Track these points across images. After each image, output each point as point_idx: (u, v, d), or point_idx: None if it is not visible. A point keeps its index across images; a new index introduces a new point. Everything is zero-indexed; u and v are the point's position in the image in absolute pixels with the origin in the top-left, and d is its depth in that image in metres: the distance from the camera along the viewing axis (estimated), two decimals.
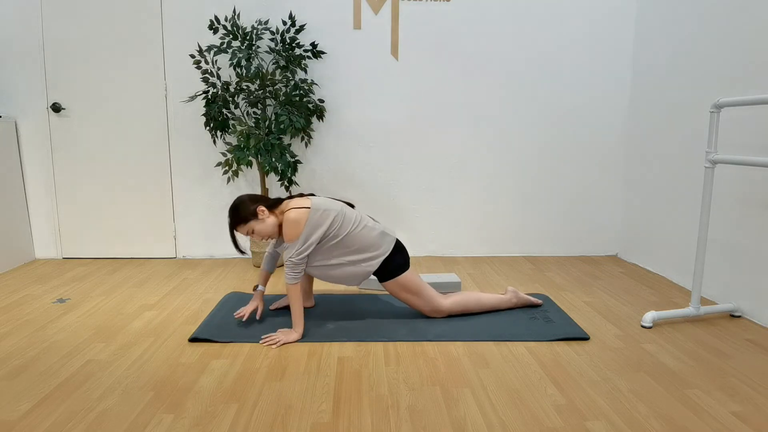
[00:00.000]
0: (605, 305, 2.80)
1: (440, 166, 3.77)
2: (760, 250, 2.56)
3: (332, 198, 2.53)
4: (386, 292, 3.00)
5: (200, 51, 3.33)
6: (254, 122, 3.38)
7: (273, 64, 3.44)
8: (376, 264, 2.43)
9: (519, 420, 1.72)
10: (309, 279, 2.71)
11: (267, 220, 2.35)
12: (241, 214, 2.34)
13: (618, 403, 1.82)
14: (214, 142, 3.50)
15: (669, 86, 3.27)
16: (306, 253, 2.30)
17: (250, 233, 2.35)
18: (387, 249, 2.45)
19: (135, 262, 3.71)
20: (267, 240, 2.33)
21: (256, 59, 3.38)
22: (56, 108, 3.60)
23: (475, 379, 1.99)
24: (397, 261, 2.47)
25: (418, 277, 2.53)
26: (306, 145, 3.66)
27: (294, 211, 2.30)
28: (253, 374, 2.03)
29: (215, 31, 3.35)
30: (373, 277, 3.06)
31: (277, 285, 3.15)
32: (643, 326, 2.49)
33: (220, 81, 3.46)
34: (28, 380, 1.98)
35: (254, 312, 2.57)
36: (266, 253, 2.60)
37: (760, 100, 2.22)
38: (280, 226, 2.40)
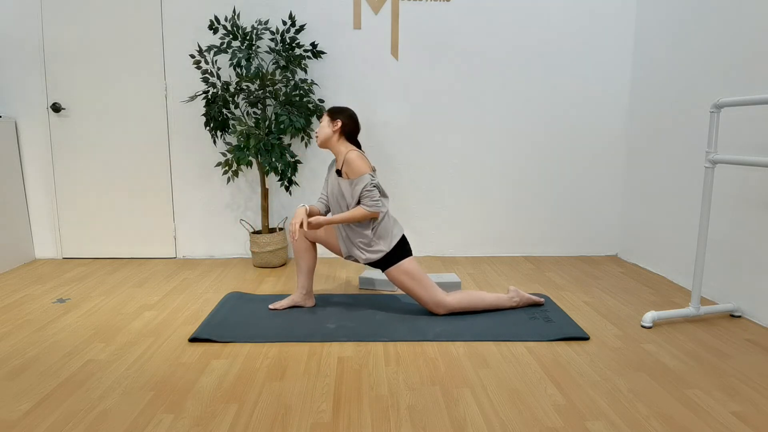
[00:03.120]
0: (605, 305, 2.80)
1: (440, 166, 3.77)
2: (760, 250, 2.56)
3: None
4: (386, 291, 3.00)
5: (200, 51, 3.33)
6: (254, 122, 3.38)
7: (273, 64, 3.44)
8: (400, 232, 2.57)
9: (519, 420, 1.72)
10: (310, 276, 2.72)
11: (329, 130, 2.55)
12: (335, 109, 2.59)
13: (618, 403, 1.82)
14: (214, 142, 3.50)
15: (669, 86, 3.27)
16: (376, 183, 2.49)
17: (321, 123, 2.60)
18: (400, 232, 2.58)
19: (135, 262, 3.71)
20: (317, 141, 2.60)
21: (256, 59, 3.38)
22: (56, 108, 3.60)
23: (475, 379, 1.99)
24: (401, 247, 2.56)
25: (420, 267, 2.57)
26: (306, 145, 3.65)
27: (355, 152, 2.51)
28: (253, 374, 2.03)
29: (215, 31, 3.35)
30: (374, 276, 3.07)
31: (277, 285, 3.15)
32: (643, 326, 2.49)
33: (220, 81, 3.46)
34: (28, 380, 1.98)
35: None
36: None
37: (760, 100, 2.22)
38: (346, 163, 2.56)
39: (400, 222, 3.82)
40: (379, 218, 2.54)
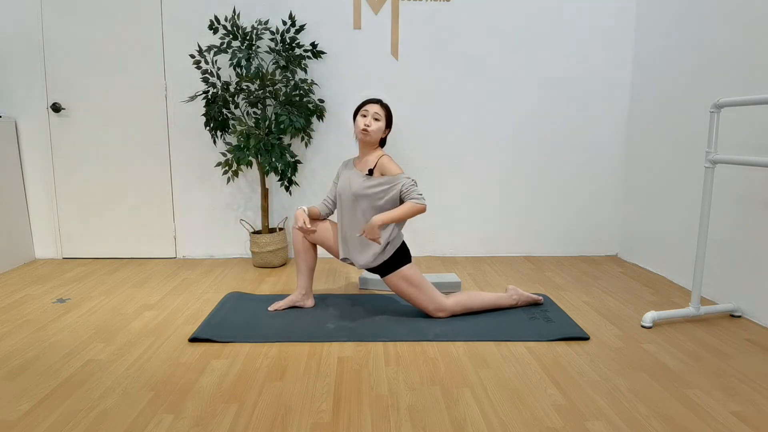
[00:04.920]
0: (605, 305, 2.80)
1: (440, 166, 3.77)
2: (760, 250, 2.56)
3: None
4: (386, 292, 3.00)
5: (200, 51, 3.33)
6: (254, 122, 3.38)
7: (273, 64, 3.44)
8: (400, 239, 2.55)
9: (519, 420, 1.72)
10: (310, 276, 2.72)
11: (381, 136, 2.56)
12: (391, 116, 2.60)
13: (618, 403, 1.82)
14: (214, 142, 3.50)
15: (669, 86, 3.27)
16: (413, 180, 2.49)
17: (376, 119, 2.51)
18: (400, 239, 2.56)
19: (135, 262, 3.71)
20: (366, 136, 2.51)
21: (256, 59, 3.38)
22: (56, 108, 3.60)
23: (475, 379, 1.99)
24: (401, 253, 2.54)
25: (420, 273, 2.56)
26: (306, 145, 3.66)
27: (389, 156, 2.55)
28: (253, 374, 2.03)
29: (215, 31, 3.35)
30: (373, 276, 3.07)
31: (277, 285, 3.15)
32: (643, 326, 2.49)
33: (220, 81, 3.46)
34: (28, 380, 1.98)
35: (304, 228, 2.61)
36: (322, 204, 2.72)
37: (760, 100, 2.22)
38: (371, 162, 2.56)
39: None
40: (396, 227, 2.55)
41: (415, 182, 2.49)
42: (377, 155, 2.54)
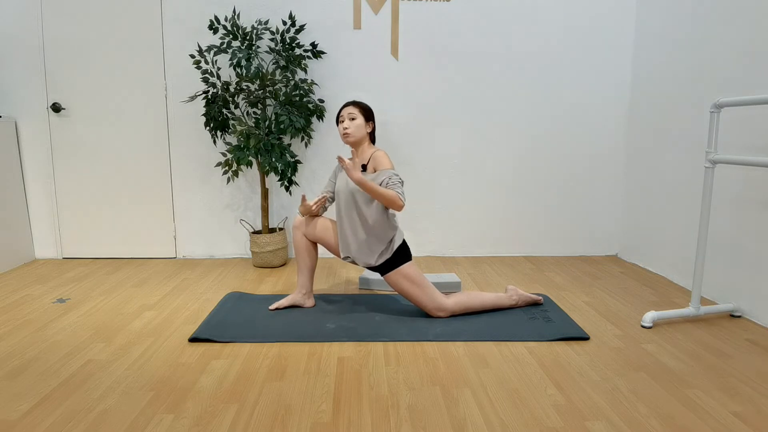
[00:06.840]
0: (605, 305, 2.80)
1: (440, 166, 3.77)
2: (760, 250, 2.56)
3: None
4: (386, 292, 3.00)
5: (200, 51, 3.33)
6: (254, 122, 3.38)
7: (273, 64, 3.44)
8: (401, 237, 2.57)
9: (519, 420, 1.72)
10: (310, 276, 2.72)
11: (365, 131, 2.59)
12: (369, 110, 2.63)
13: (618, 403, 1.82)
14: (214, 142, 3.50)
15: (669, 86, 3.27)
16: (401, 179, 2.51)
17: (354, 118, 2.56)
18: (401, 238, 2.57)
19: (135, 262, 3.70)
20: (348, 138, 2.56)
21: (256, 59, 3.38)
22: (56, 108, 3.60)
23: (475, 379, 1.99)
24: (402, 251, 2.55)
25: (421, 272, 2.57)
26: (306, 145, 3.66)
27: (383, 151, 2.58)
28: (253, 374, 2.03)
29: (215, 31, 3.35)
30: (374, 275, 3.07)
31: (277, 285, 3.15)
32: (643, 326, 2.49)
33: (220, 81, 3.46)
34: (28, 380, 1.98)
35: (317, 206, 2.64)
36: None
37: (760, 100, 2.22)
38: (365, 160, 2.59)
39: (400, 222, 3.82)
40: (397, 224, 2.57)
41: (402, 181, 2.50)
42: (371, 151, 2.58)
